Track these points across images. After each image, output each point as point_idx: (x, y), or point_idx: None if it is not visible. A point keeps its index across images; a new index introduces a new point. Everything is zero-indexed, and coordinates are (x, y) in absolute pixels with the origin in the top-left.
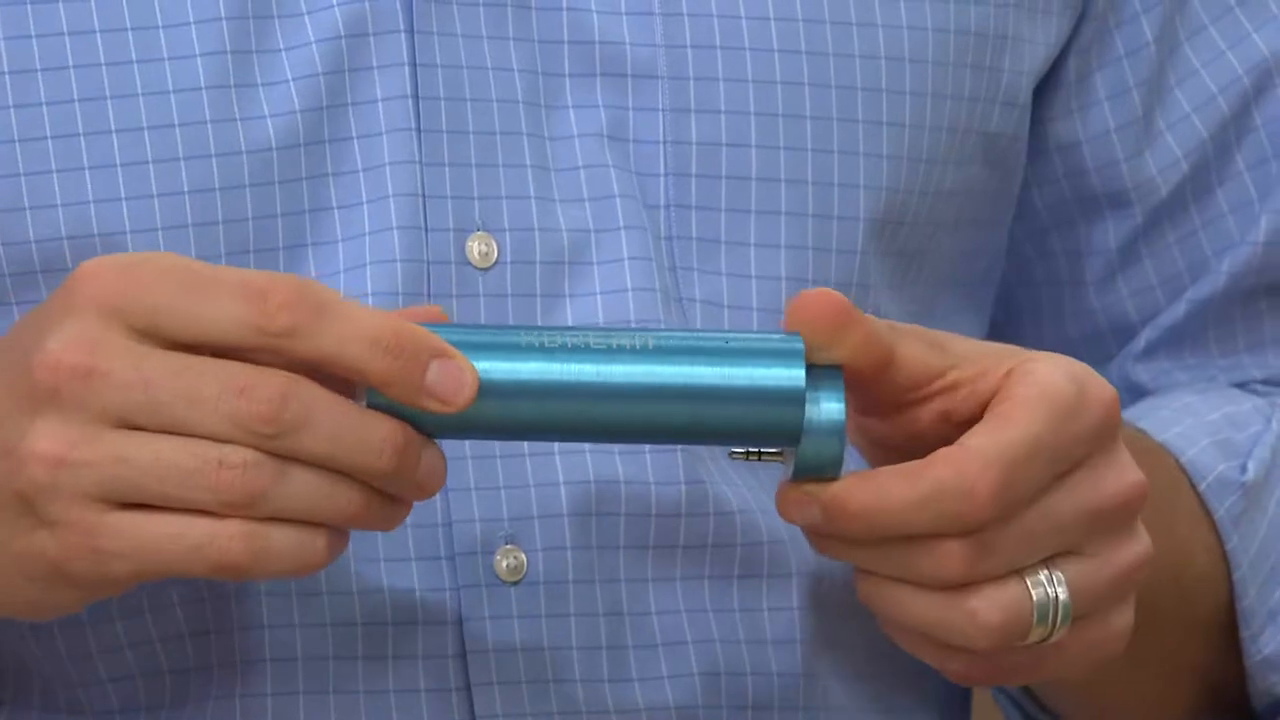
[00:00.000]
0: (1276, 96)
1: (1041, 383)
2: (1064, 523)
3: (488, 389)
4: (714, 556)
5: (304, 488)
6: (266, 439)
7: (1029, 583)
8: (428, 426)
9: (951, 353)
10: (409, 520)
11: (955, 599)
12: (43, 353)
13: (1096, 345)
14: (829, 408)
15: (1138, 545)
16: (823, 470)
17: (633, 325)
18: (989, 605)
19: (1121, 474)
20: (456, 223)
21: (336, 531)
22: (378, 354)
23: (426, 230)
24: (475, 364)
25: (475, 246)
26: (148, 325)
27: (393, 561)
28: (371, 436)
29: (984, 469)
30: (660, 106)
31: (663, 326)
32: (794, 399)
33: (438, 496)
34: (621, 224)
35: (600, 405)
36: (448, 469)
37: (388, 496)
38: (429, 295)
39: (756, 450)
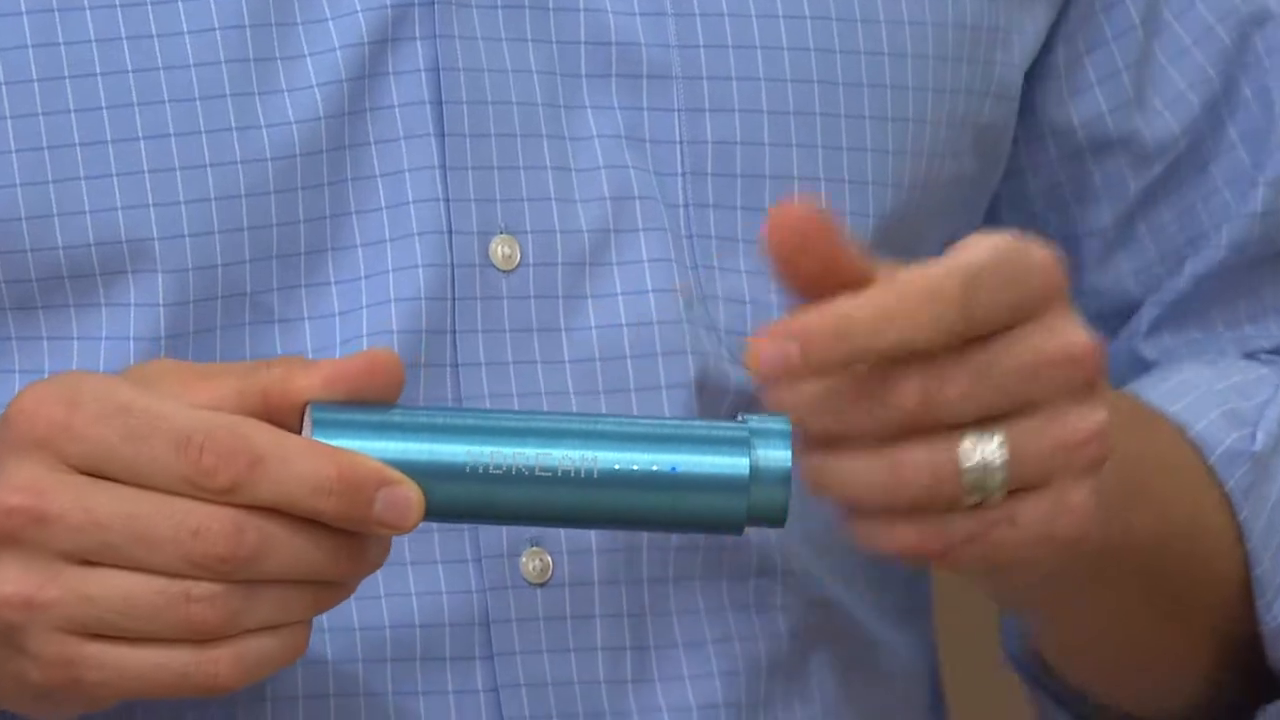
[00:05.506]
0: (1262, 66)
1: (979, 236)
2: (1013, 369)
3: (429, 474)
4: (730, 556)
5: (272, 601)
6: (227, 574)
7: (965, 438)
8: None
9: None
10: (435, 525)
11: (888, 450)
12: None
13: (1100, 326)
14: (775, 455)
15: (1092, 413)
16: (770, 520)
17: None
18: (918, 456)
19: (1072, 330)
20: (480, 225)
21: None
22: (322, 497)
23: (451, 233)
24: (425, 447)
25: (499, 249)
26: (90, 467)
27: (419, 565)
28: (325, 551)
29: (948, 274)
30: (675, 106)
31: (607, 413)
32: (738, 487)
33: None
34: (641, 226)
35: (541, 491)
36: None
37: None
38: (453, 299)
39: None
